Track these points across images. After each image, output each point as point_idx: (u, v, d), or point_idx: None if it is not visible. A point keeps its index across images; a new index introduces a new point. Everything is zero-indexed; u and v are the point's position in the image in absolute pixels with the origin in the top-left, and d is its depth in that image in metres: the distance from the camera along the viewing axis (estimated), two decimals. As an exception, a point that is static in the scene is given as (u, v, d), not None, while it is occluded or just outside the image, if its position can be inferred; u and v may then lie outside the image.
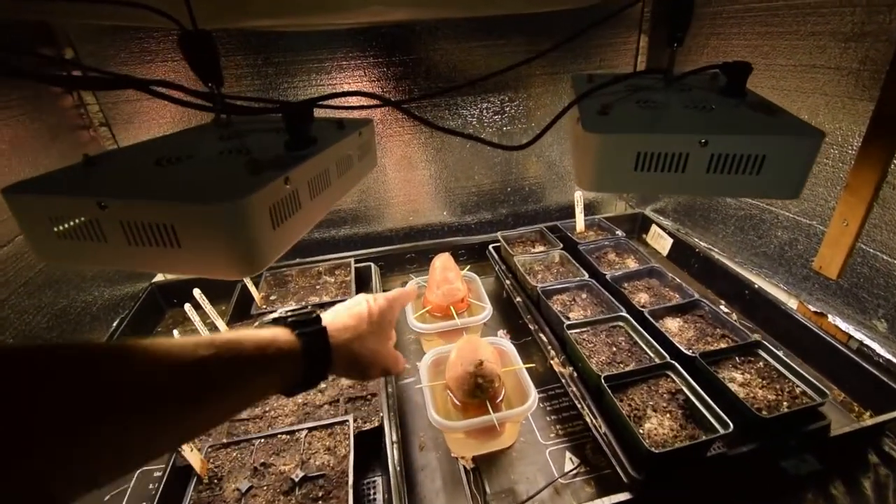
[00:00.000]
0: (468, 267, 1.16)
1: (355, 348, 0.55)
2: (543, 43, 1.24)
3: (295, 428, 0.77)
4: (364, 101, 0.73)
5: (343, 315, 0.57)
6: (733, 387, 0.75)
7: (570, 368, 0.83)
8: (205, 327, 0.89)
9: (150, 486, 0.78)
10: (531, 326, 0.99)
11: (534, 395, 0.75)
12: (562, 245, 1.20)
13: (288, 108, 0.53)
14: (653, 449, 0.63)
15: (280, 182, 0.46)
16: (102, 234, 0.45)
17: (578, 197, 1.27)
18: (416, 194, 1.39)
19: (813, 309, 0.95)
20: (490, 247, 1.30)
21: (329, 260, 1.26)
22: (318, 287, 1.17)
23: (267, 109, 0.57)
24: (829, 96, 0.86)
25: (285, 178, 0.47)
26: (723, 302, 1.12)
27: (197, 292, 0.92)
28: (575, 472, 0.77)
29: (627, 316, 0.90)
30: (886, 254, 0.80)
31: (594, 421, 0.74)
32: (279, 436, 0.76)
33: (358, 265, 1.23)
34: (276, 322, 0.50)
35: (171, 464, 0.72)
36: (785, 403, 0.72)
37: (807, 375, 0.75)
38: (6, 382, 0.26)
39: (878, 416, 0.77)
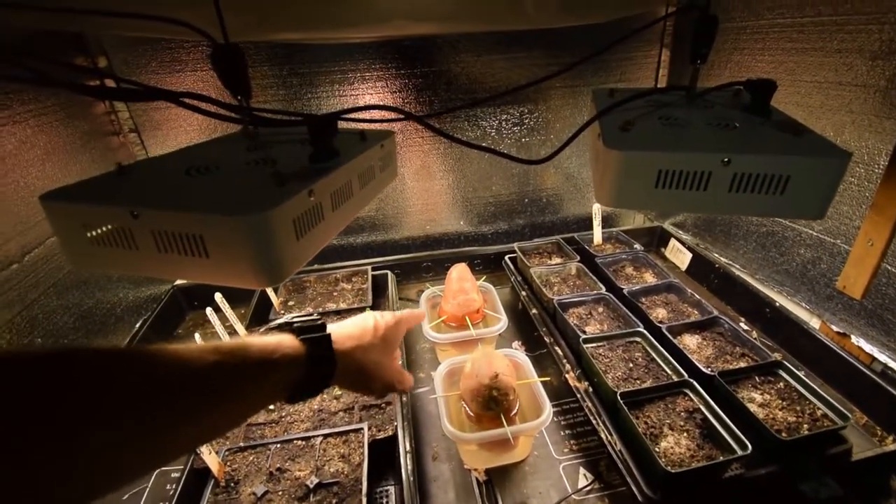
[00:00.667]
0: (484, 277, 1.16)
1: (359, 358, 0.55)
2: (562, 56, 1.25)
3: (310, 434, 0.77)
4: (385, 113, 0.74)
5: (349, 326, 0.58)
6: (752, 407, 0.74)
7: (586, 383, 0.83)
8: (224, 331, 0.90)
9: (168, 487, 0.80)
10: (547, 339, 0.99)
11: (548, 409, 0.74)
12: (579, 257, 1.20)
13: (313, 121, 0.55)
14: (669, 468, 0.62)
15: (304, 195, 0.47)
16: (134, 242, 0.46)
17: (596, 209, 1.27)
18: (434, 203, 1.40)
19: (836, 329, 0.93)
20: (506, 257, 1.30)
21: (347, 267, 1.27)
22: (335, 293, 1.19)
23: (293, 122, 0.58)
24: (855, 114, 0.84)
25: (309, 190, 0.48)
26: (743, 319, 1.10)
27: (218, 296, 0.94)
28: (589, 488, 0.76)
29: (645, 331, 0.90)
30: (914, 275, 0.78)
31: (609, 437, 0.73)
32: (295, 441, 0.77)
33: (375, 273, 1.24)
34: (281, 328, 0.52)
35: (189, 465, 0.73)
36: (805, 426, 0.71)
37: (828, 398, 0.73)
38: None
39: (902, 441, 0.75)
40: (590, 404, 0.79)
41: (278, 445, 0.76)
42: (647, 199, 0.54)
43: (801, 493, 0.72)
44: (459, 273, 1.09)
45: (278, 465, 0.73)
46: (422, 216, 1.41)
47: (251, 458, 0.75)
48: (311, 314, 0.67)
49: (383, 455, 0.76)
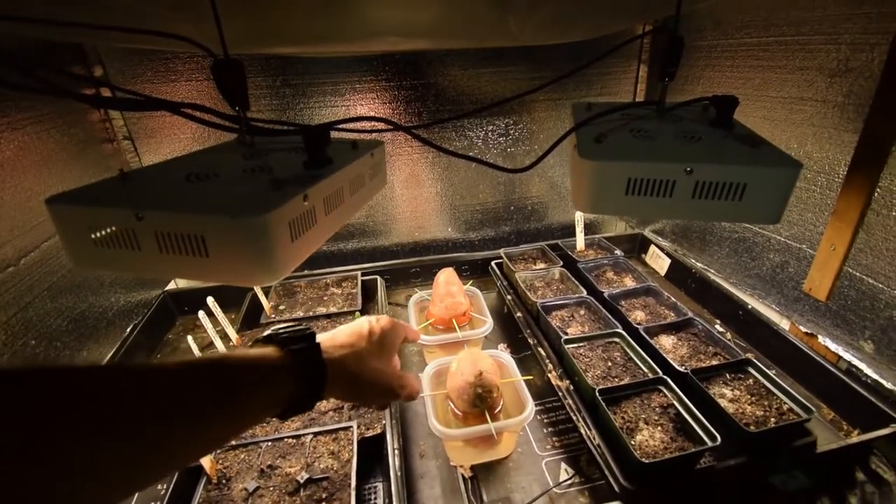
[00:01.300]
0: (471, 282, 1.20)
1: (352, 366, 0.52)
2: (546, 70, 1.30)
3: (301, 432, 0.80)
4: (376, 123, 0.78)
5: (341, 333, 0.55)
6: (723, 402, 0.78)
7: (567, 382, 0.86)
8: (216, 334, 0.92)
9: (160, 486, 0.81)
10: (530, 341, 1.02)
11: (531, 406, 0.78)
12: (562, 263, 1.24)
13: (307, 131, 0.58)
14: (643, 459, 0.66)
15: (299, 199, 0.50)
16: (137, 243, 0.49)
17: (579, 217, 1.32)
18: (423, 211, 1.44)
19: (804, 330, 0.98)
20: (493, 263, 1.34)
21: (337, 272, 1.30)
22: (325, 298, 1.21)
23: (288, 132, 0.61)
24: (816, 127, 0.90)
25: (304, 195, 0.51)
26: (718, 321, 1.15)
27: (210, 300, 0.96)
28: (569, 482, 0.80)
29: (623, 332, 0.94)
30: (871, 277, 0.83)
31: (588, 433, 0.77)
32: (285, 439, 0.79)
33: (364, 278, 1.27)
34: (267, 340, 0.49)
35: (182, 463, 0.75)
36: (772, 419, 0.75)
37: (794, 393, 0.78)
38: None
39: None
40: (570, 402, 0.83)
41: (269, 443, 0.79)
42: (619, 205, 0.58)
43: (772, 486, 0.76)
44: (447, 277, 1.12)
45: (269, 462, 0.75)
46: (411, 223, 1.45)
47: (242, 456, 0.77)
48: (298, 323, 0.67)
49: (372, 452, 0.79)
